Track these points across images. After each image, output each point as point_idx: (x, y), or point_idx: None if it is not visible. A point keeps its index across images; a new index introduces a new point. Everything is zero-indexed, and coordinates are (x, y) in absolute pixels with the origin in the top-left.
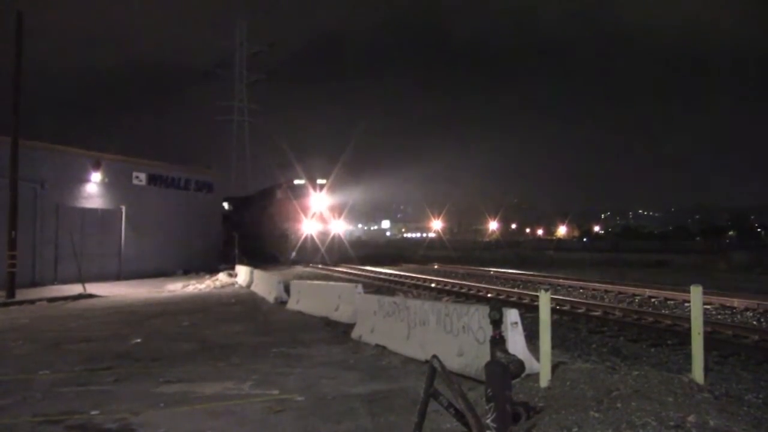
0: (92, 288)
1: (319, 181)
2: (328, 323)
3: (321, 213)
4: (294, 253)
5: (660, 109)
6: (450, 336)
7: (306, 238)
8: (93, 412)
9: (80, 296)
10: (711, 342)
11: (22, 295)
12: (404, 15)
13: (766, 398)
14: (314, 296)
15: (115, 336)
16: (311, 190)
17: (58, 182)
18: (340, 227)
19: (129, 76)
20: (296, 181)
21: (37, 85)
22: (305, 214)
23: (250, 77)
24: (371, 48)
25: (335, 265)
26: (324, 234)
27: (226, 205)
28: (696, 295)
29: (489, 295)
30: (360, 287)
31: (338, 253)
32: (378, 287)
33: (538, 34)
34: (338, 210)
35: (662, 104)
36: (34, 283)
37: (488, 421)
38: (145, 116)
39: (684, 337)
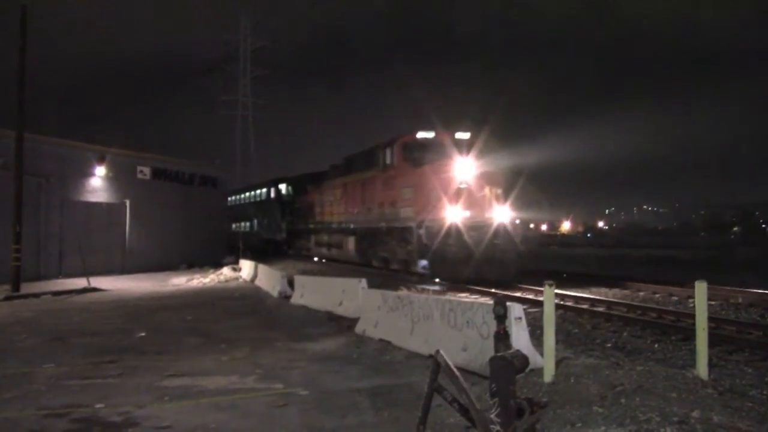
0: (96, 282)
1: (460, 135)
2: (332, 318)
3: (470, 189)
4: (425, 263)
5: (665, 102)
6: (454, 331)
7: (448, 232)
8: (97, 406)
9: (85, 290)
10: (715, 338)
11: (26, 288)
12: (407, 6)
13: None
14: (318, 291)
15: (120, 330)
16: (451, 150)
17: (62, 176)
18: (505, 215)
19: (132, 69)
20: (421, 134)
21: (40, 78)
22: (444, 192)
23: (254, 71)
24: (375, 40)
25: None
26: (477, 228)
27: (283, 188)
28: (700, 291)
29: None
30: (364, 281)
31: (511, 264)
32: None
33: (540, 28)
34: (499, 184)
35: (667, 97)
36: (39, 277)
37: (492, 415)
38: (149, 110)
39: (688, 333)
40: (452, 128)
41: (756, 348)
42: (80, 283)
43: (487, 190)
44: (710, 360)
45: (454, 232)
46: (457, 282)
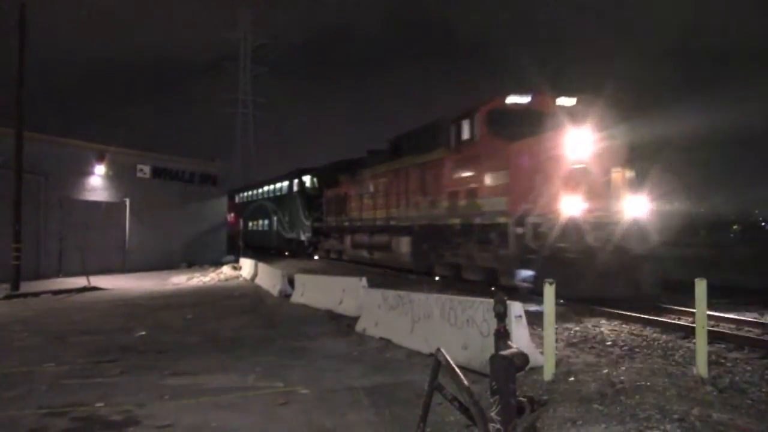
0: (96, 281)
1: (563, 101)
2: (332, 316)
3: (588, 172)
4: (527, 273)
5: (663, 101)
6: (454, 329)
7: (564, 231)
8: (98, 404)
9: (84, 289)
10: (715, 335)
11: (26, 287)
12: (408, 6)
13: None
14: (318, 289)
15: (120, 328)
16: (557, 119)
17: (62, 175)
18: (639, 207)
19: (132, 67)
20: (513, 99)
21: (40, 77)
22: (554, 176)
23: (254, 70)
24: (377, 40)
25: None
26: (602, 226)
27: (307, 180)
28: (700, 288)
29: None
30: (364, 280)
31: (648, 274)
32: None
33: (540, 26)
34: (629, 164)
35: (665, 97)
36: (39, 276)
37: (492, 414)
38: (149, 108)
39: (688, 331)
40: (552, 91)
41: (755, 346)
42: (80, 282)
43: (612, 174)
44: (710, 358)
45: (572, 231)
46: (573, 299)
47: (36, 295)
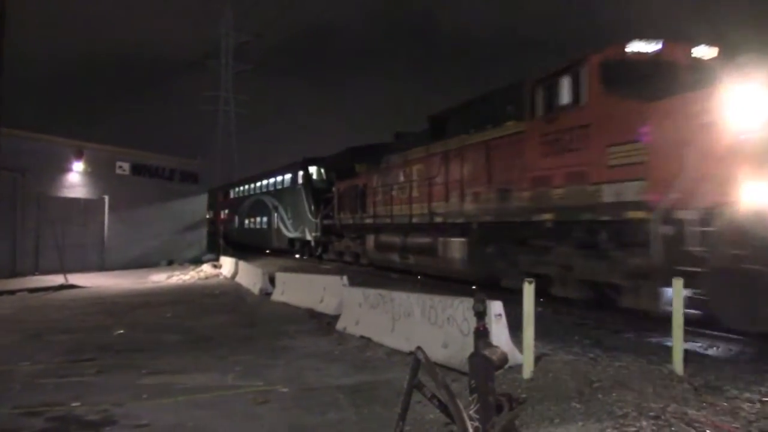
0: (74, 279)
1: (701, 52)
2: (313, 315)
3: (757, 144)
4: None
5: None
6: (435, 328)
7: (747, 231)
8: (74, 404)
9: (62, 287)
10: (691, 333)
11: (1, 285)
12: (393, 5)
13: (744, 388)
14: (299, 288)
15: (98, 327)
16: (696, 73)
17: (39, 171)
18: None
19: (113, 64)
20: (635, 46)
21: (18, 72)
22: (711, 148)
23: (236, 67)
24: (360, 38)
25: None
26: None
27: (314, 171)
28: (677, 287)
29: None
30: (345, 278)
31: None
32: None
33: (525, 27)
34: None
35: None
36: (15, 274)
37: (471, 412)
38: (130, 106)
39: (666, 329)
40: (684, 40)
41: (730, 343)
42: (57, 279)
43: None
44: (686, 355)
45: (758, 231)
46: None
47: (12, 293)
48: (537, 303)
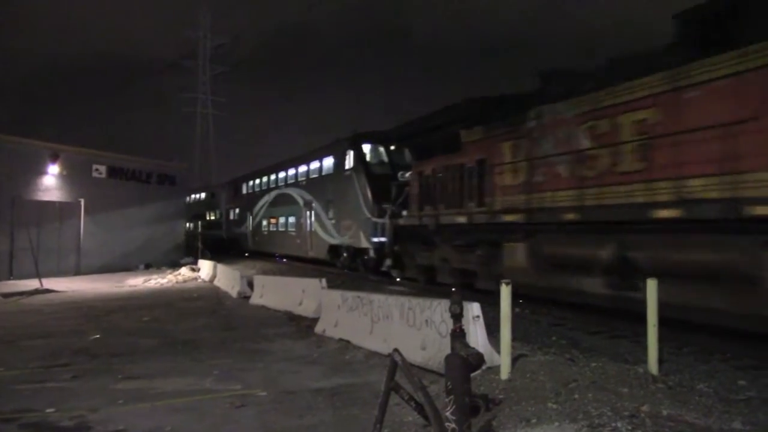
0: (50, 283)
1: None
2: (291, 318)
3: None
4: None
5: None
6: (413, 330)
7: None
8: (48, 410)
9: (37, 291)
10: (666, 333)
11: None
12: (368, 9)
13: (717, 388)
14: (278, 291)
15: (73, 332)
16: None
17: (13, 174)
18: None
19: (88, 66)
20: None
21: None
22: None
23: (213, 69)
24: (336, 40)
25: None
26: None
27: (368, 150)
28: (651, 287)
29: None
30: (324, 281)
31: None
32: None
33: (498, 33)
34: None
35: None
36: None
37: (447, 413)
38: (106, 108)
39: (642, 329)
40: None
41: (705, 343)
42: (32, 284)
43: None
44: (661, 355)
45: None
46: None
47: None
48: (515, 304)
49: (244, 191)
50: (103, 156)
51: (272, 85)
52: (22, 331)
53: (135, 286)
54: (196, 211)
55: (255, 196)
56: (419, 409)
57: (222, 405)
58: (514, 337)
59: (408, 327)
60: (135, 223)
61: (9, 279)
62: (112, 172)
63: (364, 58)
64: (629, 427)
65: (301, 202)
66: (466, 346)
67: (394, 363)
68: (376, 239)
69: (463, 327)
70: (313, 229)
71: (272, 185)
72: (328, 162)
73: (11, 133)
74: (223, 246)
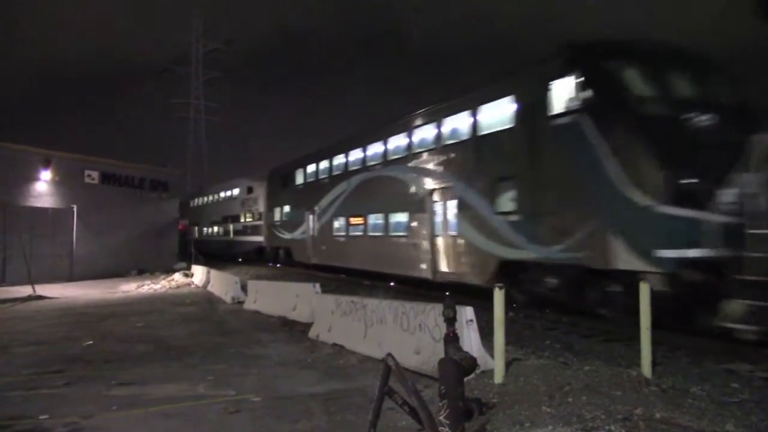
0: (42, 289)
1: None
2: (285, 323)
3: None
4: None
5: None
6: (407, 334)
7: None
8: (42, 417)
9: (29, 298)
10: (659, 336)
11: None
12: (363, 13)
13: (710, 390)
14: (271, 296)
15: (66, 338)
16: None
17: (5, 180)
18: None
19: (80, 71)
20: None
21: None
22: None
23: (206, 74)
24: (332, 46)
25: None
26: None
27: (631, 74)
28: (644, 291)
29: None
30: (318, 286)
31: None
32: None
33: (494, 37)
34: None
35: None
36: None
37: (441, 417)
38: (98, 113)
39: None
40: None
41: (697, 345)
42: (25, 290)
43: None
44: (654, 359)
45: None
46: None
47: None
48: (509, 308)
49: (301, 180)
50: (96, 162)
51: (265, 88)
52: (15, 337)
53: (128, 292)
54: (222, 213)
55: (321, 186)
56: (413, 413)
57: (216, 410)
58: (508, 341)
59: (402, 331)
60: (128, 228)
61: (1, 285)
62: (105, 178)
63: (360, 59)
64: (623, 431)
65: (421, 187)
66: (460, 350)
67: (388, 367)
68: (674, 253)
69: (457, 331)
70: (456, 233)
71: (355, 167)
72: (500, 108)
73: (2, 139)
74: (262, 257)
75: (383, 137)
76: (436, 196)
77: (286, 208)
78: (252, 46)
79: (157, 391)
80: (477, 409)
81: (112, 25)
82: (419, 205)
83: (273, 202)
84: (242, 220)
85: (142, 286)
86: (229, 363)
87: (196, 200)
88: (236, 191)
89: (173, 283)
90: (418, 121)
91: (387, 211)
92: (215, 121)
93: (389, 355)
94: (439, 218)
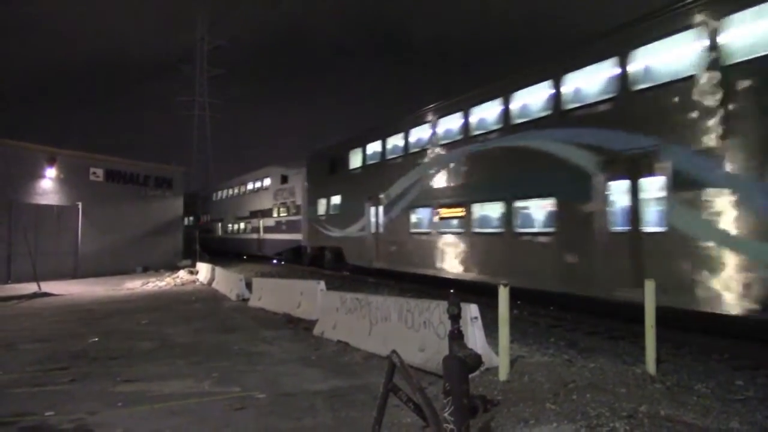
0: (48, 287)
1: None
2: (290, 320)
3: None
4: None
5: None
6: (411, 331)
7: None
8: (48, 413)
9: (35, 295)
10: (664, 334)
11: None
12: (367, 11)
13: (715, 388)
14: (276, 293)
15: (72, 335)
16: None
17: (11, 178)
18: None
19: (85, 69)
20: None
21: None
22: None
23: (211, 71)
24: (335, 44)
25: None
26: None
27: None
28: (649, 289)
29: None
30: (322, 283)
31: None
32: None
33: (501, 35)
34: None
35: None
36: None
37: (446, 414)
38: (103, 111)
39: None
40: None
41: (702, 343)
42: (30, 288)
43: None
44: (659, 356)
45: None
46: None
47: None
48: (514, 306)
49: (358, 163)
50: (101, 159)
51: (269, 86)
52: (21, 334)
53: (133, 289)
54: (250, 207)
55: (390, 167)
56: (418, 410)
57: (221, 407)
58: (513, 339)
59: (406, 329)
60: (133, 226)
61: (7, 283)
62: (110, 175)
63: (363, 59)
64: (627, 428)
65: (588, 160)
66: (464, 347)
67: (393, 364)
68: None
69: (461, 328)
70: (692, 232)
71: (448, 140)
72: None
73: (8, 137)
74: (299, 259)
75: (504, 94)
76: (616, 171)
77: (336, 199)
78: (257, 43)
79: (162, 388)
80: (481, 407)
81: (118, 24)
82: (581, 186)
83: (316, 193)
84: (275, 215)
85: (147, 283)
86: (233, 360)
87: (218, 194)
88: (267, 182)
89: (178, 281)
90: (583, 59)
91: (513, 198)
92: (220, 117)
93: (394, 352)
94: (621, 205)
